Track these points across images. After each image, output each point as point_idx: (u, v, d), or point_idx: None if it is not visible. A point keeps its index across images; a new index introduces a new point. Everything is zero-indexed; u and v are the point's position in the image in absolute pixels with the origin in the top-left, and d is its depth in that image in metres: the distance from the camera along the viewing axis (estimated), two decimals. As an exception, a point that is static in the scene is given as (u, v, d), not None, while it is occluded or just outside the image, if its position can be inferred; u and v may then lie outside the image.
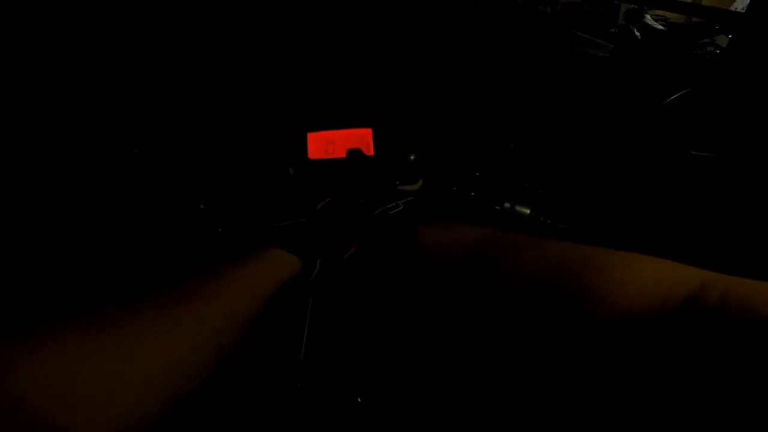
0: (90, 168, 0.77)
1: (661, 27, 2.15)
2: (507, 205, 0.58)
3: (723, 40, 1.66)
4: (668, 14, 2.17)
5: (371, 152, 0.67)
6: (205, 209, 0.63)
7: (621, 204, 0.56)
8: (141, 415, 0.33)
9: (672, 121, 1.00)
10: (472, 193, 0.59)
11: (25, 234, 0.71)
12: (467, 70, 0.96)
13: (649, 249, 0.39)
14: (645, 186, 0.83)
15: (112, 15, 0.84)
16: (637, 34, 2.11)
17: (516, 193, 0.58)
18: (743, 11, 1.60)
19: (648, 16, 2.21)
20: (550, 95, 1.06)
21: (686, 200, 0.83)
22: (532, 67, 1.25)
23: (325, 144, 0.68)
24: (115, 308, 0.36)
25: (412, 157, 0.65)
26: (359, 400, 0.60)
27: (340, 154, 0.68)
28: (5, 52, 0.79)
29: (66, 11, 0.82)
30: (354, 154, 0.61)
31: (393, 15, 0.95)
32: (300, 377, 0.62)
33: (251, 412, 0.63)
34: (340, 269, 0.61)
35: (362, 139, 0.68)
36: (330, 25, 0.88)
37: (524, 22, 1.54)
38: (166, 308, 0.38)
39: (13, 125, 0.79)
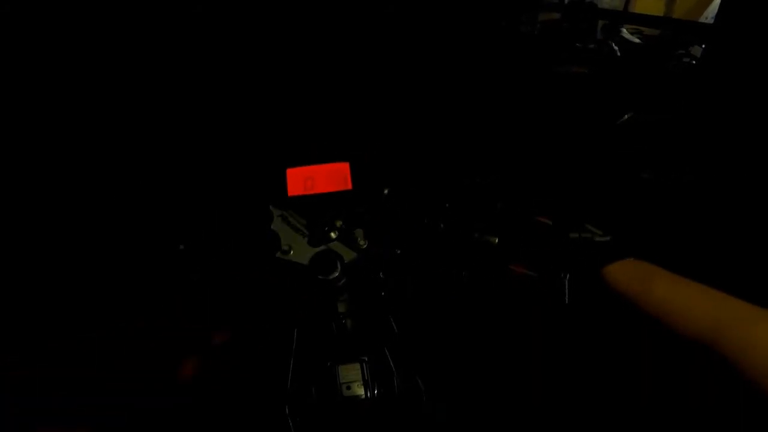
0: (81, 198, 0.78)
1: (637, 40, 2.22)
2: (476, 235, 0.58)
3: (697, 50, 1.71)
4: (643, 27, 2.24)
5: (349, 186, 0.68)
6: (185, 249, 0.64)
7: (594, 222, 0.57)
8: None
9: (625, 143, 1.02)
10: (441, 225, 0.60)
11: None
12: (445, 98, 0.98)
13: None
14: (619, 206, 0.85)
15: (110, 21, 0.85)
16: (616, 48, 2.17)
17: (485, 222, 0.59)
18: (712, 21, 1.66)
19: (624, 30, 2.28)
20: (528, 115, 1.08)
21: (642, 221, 0.85)
22: (514, 88, 1.28)
23: (304, 180, 0.69)
24: None
25: (386, 191, 0.66)
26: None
27: (319, 189, 0.69)
28: (5, 53, 0.79)
29: (66, 13, 0.82)
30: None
31: (372, 49, 0.98)
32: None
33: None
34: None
35: (341, 173, 0.69)
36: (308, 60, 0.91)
37: (509, 44, 1.58)
38: None
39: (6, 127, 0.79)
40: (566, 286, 0.55)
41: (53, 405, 0.59)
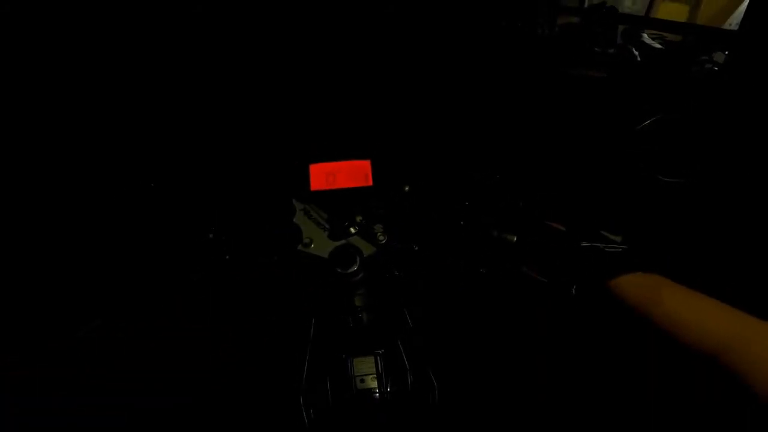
0: (110, 197, 0.81)
1: (658, 45, 2.18)
2: (495, 233, 0.59)
3: (721, 57, 1.69)
4: (665, 33, 2.20)
5: (370, 182, 0.70)
6: (214, 238, 0.67)
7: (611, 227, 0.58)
8: None
9: (643, 147, 1.01)
10: (462, 222, 0.61)
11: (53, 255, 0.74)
12: (463, 97, 0.99)
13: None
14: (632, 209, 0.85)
15: (111, 23, 0.87)
16: (636, 53, 2.14)
17: (504, 220, 0.60)
18: (737, 28, 1.63)
19: (645, 35, 2.24)
20: (543, 117, 1.08)
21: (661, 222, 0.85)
22: (529, 89, 1.28)
23: (326, 175, 0.71)
24: None
25: (407, 188, 0.67)
26: None
27: (341, 184, 0.71)
28: (5, 53, 0.81)
29: (66, 13, 0.84)
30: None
31: (390, 49, 0.99)
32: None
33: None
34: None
35: (362, 170, 0.70)
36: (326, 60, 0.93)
37: (524, 45, 1.57)
38: None
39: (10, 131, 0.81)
40: (573, 295, 0.56)
41: (53, 405, 0.60)
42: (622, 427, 0.63)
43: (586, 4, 2.54)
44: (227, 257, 0.66)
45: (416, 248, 0.69)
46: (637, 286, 0.48)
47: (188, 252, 0.63)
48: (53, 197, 0.82)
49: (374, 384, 0.68)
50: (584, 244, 0.55)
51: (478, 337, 0.83)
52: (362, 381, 0.68)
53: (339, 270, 0.70)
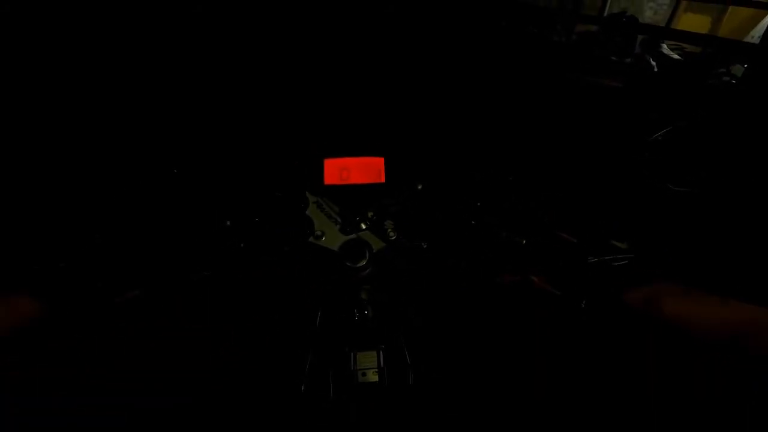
0: (134, 183, 0.84)
1: (677, 57, 2.16)
2: (504, 234, 0.60)
3: (738, 70, 1.67)
4: (685, 44, 2.18)
5: (383, 179, 0.71)
6: (231, 226, 0.69)
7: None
8: None
9: (651, 156, 1.01)
10: (473, 222, 0.62)
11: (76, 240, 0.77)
12: (476, 100, 1.00)
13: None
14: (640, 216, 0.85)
15: (113, 24, 0.89)
16: (653, 63, 2.12)
17: (514, 222, 0.61)
18: (758, 41, 1.61)
19: (664, 46, 2.22)
20: (556, 123, 1.09)
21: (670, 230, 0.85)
22: (543, 95, 1.28)
23: (340, 170, 0.73)
24: None
25: (419, 187, 0.69)
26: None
27: (354, 180, 0.72)
28: (5, 53, 0.83)
29: (67, 14, 0.86)
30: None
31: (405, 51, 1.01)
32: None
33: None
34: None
35: (375, 167, 0.72)
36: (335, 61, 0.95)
37: (539, 52, 1.58)
38: None
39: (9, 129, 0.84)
40: (583, 309, 0.57)
41: (53, 405, 0.62)
42: (622, 426, 0.64)
43: (606, 13, 2.52)
44: (242, 245, 0.68)
45: (425, 246, 0.70)
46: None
47: (206, 238, 0.65)
48: (53, 192, 0.85)
49: (375, 378, 0.69)
50: (592, 259, 0.56)
51: (478, 335, 0.84)
52: (363, 375, 0.70)
53: (348, 264, 0.72)
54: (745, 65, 1.57)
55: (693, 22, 2.52)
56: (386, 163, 0.70)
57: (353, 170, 0.72)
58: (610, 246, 0.56)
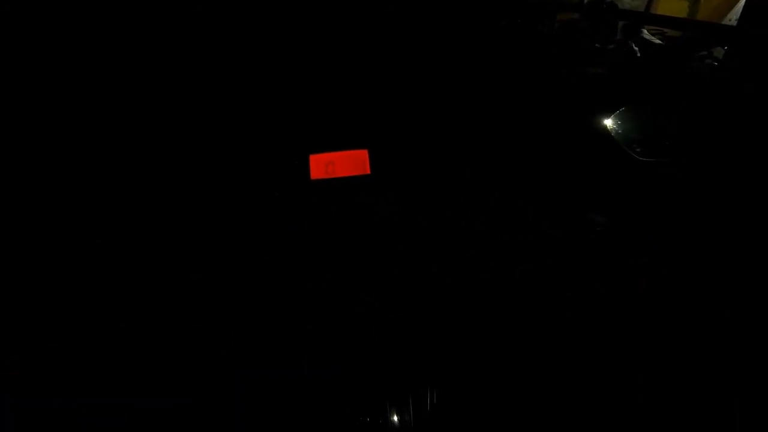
0: (134, 184, 0.83)
1: (658, 41, 2.18)
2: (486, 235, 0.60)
3: (719, 52, 1.69)
4: (665, 28, 2.20)
5: (368, 171, 0.70)
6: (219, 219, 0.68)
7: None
8: None
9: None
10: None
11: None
12: (461, 90, 1.00)
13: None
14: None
15: (111, 24, 0.88)
16: (636, 48, 2.14)
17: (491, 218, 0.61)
18: (736, 23, 1.63)
19: (645, 31, 2.24)
20: (539, 112, 1.09)
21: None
22: (526, 84, 1.28)
23: (325, 165, 0.72)
24: None
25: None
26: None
27: (339, 173, 0.71)
28: (5, 53, 0.82)
29: (66, 14, 0.85)
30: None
31: (391, 43, 1.00)
32: None
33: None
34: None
35: (359, 159, 0.71)
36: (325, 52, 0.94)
37: (524, 42, 1.58)
38: None
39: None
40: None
41: (53, 405, 0.60)
42: (611, 427, 0.64)
43: (585, 0, 2.54)
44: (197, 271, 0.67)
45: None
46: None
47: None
48: (53, 193, 0.84)
49: None
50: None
51: (464, 334, 0.84)
52: None
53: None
54: (725, 47, 1.59)
55: (671, 6, 2.55)
56: (370, 155, 0.70)
57: (338, 163, 0.71)
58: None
